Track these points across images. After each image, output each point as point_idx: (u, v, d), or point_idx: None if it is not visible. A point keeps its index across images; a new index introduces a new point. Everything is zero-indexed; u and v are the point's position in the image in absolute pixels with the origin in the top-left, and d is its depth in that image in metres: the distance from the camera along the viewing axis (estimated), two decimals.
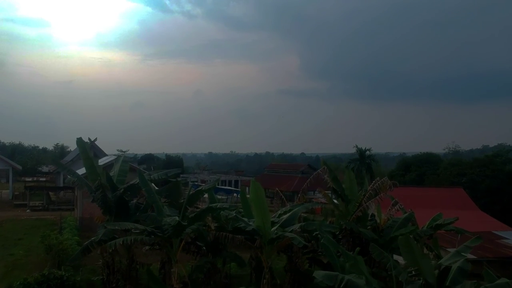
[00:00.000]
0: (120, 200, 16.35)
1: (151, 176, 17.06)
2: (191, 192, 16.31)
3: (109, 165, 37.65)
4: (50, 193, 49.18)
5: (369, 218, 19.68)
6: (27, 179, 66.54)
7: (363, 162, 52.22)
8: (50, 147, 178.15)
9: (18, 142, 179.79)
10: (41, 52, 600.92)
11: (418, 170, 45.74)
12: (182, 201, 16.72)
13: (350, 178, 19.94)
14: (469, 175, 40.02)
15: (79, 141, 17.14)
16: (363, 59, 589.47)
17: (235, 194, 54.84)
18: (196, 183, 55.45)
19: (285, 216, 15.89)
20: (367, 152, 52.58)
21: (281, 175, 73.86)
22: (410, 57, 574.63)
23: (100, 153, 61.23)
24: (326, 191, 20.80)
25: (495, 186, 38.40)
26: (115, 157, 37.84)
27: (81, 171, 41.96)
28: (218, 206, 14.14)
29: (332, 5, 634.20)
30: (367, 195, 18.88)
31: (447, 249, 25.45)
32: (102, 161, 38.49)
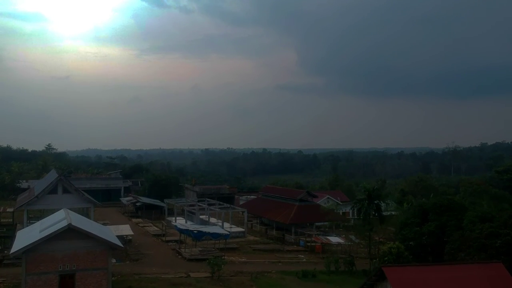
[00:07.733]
0: None
1: None
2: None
3: (57, 235, 30.41)
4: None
5: None
6: None
7: (371, 203, 45.25)
8: (41, 147, 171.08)
9: (6, 145, 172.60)
10: (37, 47, 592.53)
11: (438, 220, 38.77)
12: None
13: None
14: (504, 236, 33.06)
15: None
16: (359, 55, 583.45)
17: (224, 239, 47.66)
18: (179, 227, 47.97)
19: None
20: (375, 192, 45.65)
21: (277, 202, 67.82)
22: (406, 53, 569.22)
23: (69, 188, 53.75)
24: None
25: None
26: (64, 225, 30.24)
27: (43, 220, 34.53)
28: None
29: (329, 0, 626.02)
30: None
31: None
32: (45, 229, 29.38)
